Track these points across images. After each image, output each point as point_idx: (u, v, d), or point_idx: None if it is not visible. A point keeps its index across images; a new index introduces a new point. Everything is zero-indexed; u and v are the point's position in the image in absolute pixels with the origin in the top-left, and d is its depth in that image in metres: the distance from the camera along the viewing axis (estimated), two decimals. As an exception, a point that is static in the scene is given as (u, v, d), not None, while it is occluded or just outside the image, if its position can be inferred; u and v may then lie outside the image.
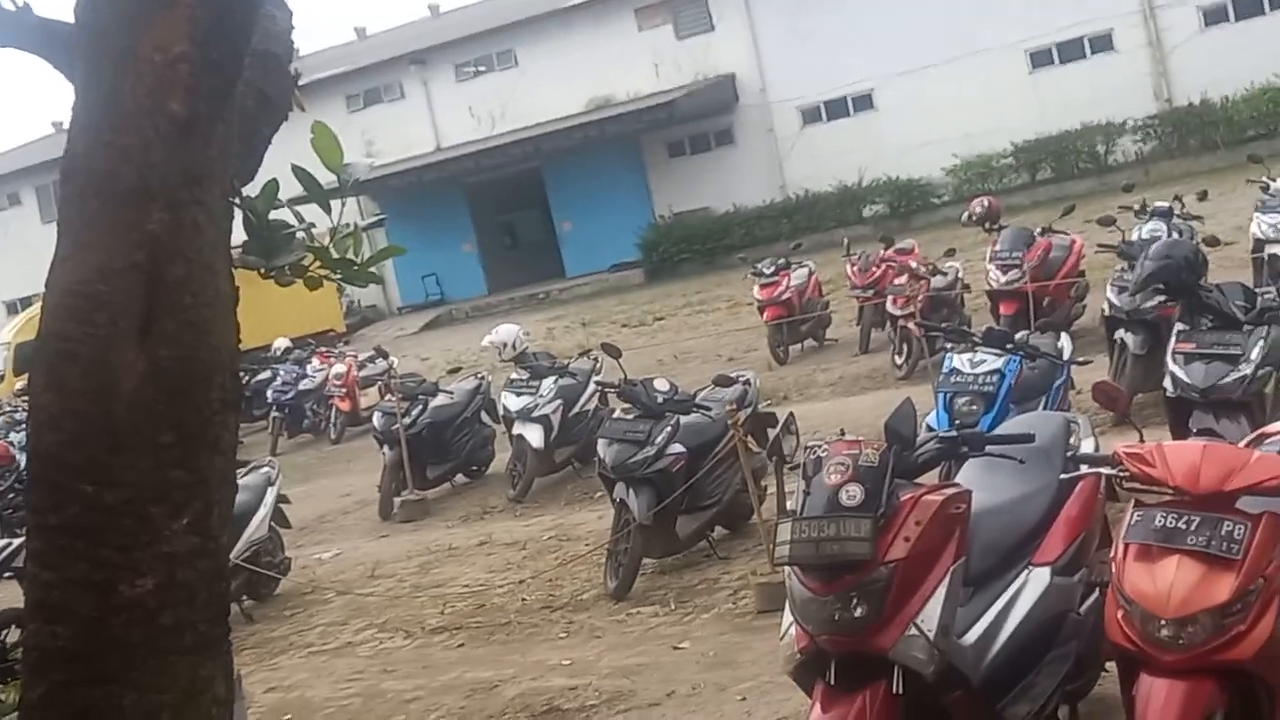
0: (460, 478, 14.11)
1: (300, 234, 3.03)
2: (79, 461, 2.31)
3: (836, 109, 35.50)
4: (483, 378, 14.83)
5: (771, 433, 9.74)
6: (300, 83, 3.25)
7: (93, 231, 2.35)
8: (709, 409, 9.45)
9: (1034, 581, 4.79)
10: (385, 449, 13.65)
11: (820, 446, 4.56)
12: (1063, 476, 4.97)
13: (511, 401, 12.94)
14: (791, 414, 10.93)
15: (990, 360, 8.41)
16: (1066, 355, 8.91)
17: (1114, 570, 4.20)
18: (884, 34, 33.63)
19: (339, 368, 19.66)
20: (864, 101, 35.16)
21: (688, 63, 36.96)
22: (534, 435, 12.66)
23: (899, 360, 14.40)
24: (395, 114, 41.08)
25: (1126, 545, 4.16)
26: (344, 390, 19.40)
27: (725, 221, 35.29)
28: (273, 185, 2.93)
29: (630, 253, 36.33)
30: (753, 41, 36.07)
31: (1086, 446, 5.31)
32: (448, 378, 15.47)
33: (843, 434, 4.99)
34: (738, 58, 36.28)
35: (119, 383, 2.32)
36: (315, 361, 21.08)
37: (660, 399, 9.42)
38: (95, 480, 2.30)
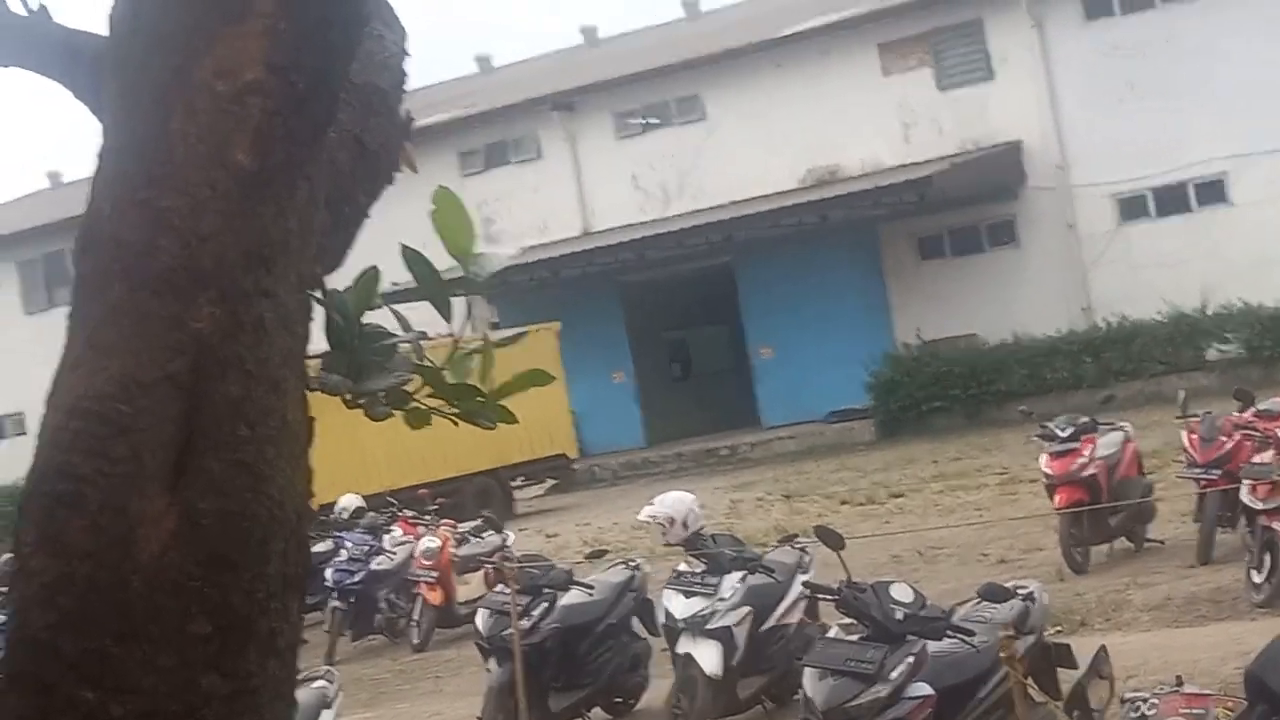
0: (598, 712, 14.06)
1: (404, 346, 3.07)
2: (77, 654, 2.34)
3: (1171, 200, 35.35)
4: (636, 567, 14.80)
5: (1067, 675, 9.56)
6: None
7: (115, 328, 2.41)
8: (971, 634, 9.33)
9: None
10: (491, 663, 13.70)
11: (1145, 700, 4.45)
12: None
13: (677, 605, 12.87)
14: (1103, 649, 10.70)
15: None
16: None
17: None
18: (1246, 94, 33.39)
19: (429, 542, 19.75)
20: (1212, 190, 34.96)
21: (952, 124, 37.18)
22: (708, 656, 12.55)
23: (1258, 578, 14.04)
24: (527, 180, 42.10)
25: None
26: (435, 575, 19.48)
27: (999, 356, 35.13)
28: (372, 275, 2.99)
29: (857, 395, 36.35)
30: (1050, 97, 36.20)
31: None
32: (585, 565, 15.50)
33: (1179, 683, 4.86)
34: (1026, 119, 36.40)
35: (139, 544, 2.35)
36: (396, 530, 21.21)
37: (899, 614, 9.32)
38: (98, 682, 2.33)
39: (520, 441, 31.53)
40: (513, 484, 33.73)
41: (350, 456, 27.21)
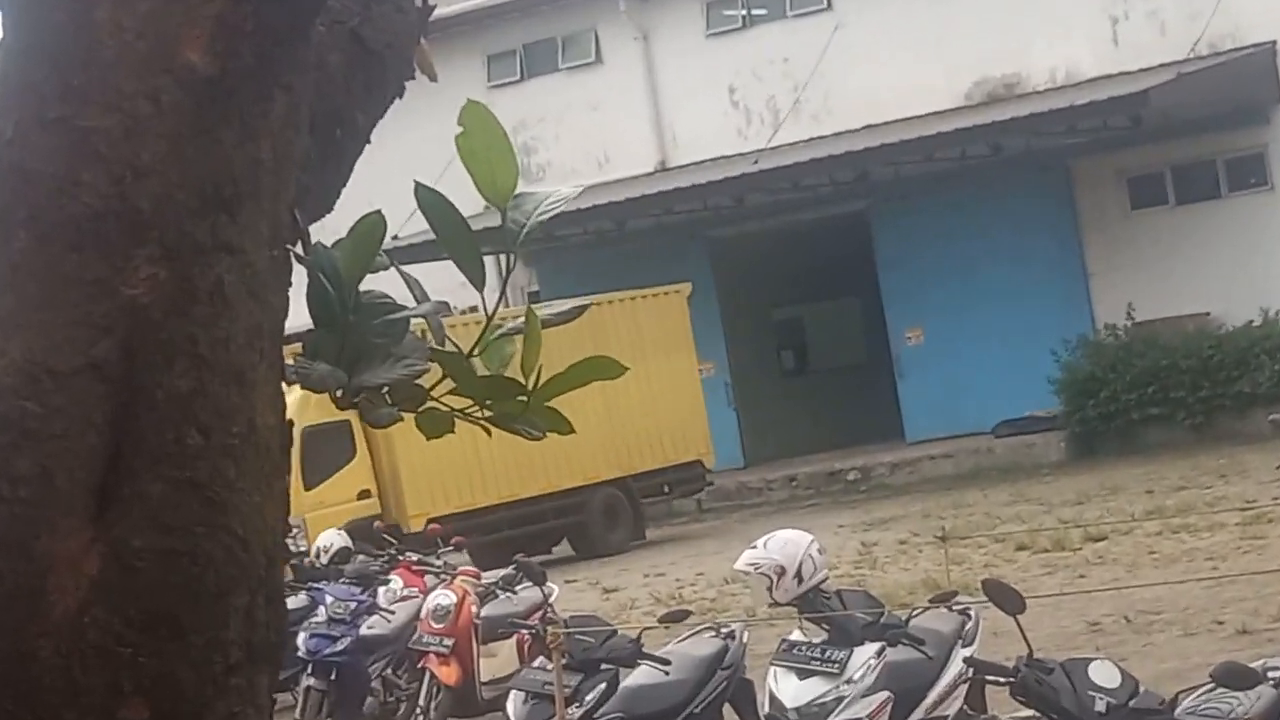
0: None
1: (418, 323, 3.07)
2: (-39, 750, 2.35)
3: None
4: (730, 636, 14.82)
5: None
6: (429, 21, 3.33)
7: (18, 296, 2.42)
8: (1199, 730, 9.30)
9: None
10: (530, 765, 13.75)
11: None
12: None
13: (788, 689, 12.92)
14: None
15: None
16: None
17: None
18: None
19: (442, 597, 19.85)
20: None
21: (1178, 19, 37.09)
22: (830, 760, 12.59)
23: None
24: (581, 94, 42.41)
25: None
26: (449, 644, 19.57)
27: (1243, 345, 35.27)
28: (373, 223, 2.98)
29: (1040, 398, 36.50)
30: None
31: None
32: (659, 630, 15.51)
33: None
34: (1280, 16, 36.29)
35: (49, 596, 2.36)
36: (396, 581, 21.31)
37: (1101, 704, 9.33)
38: (-9, 791, 2.34)
39: (653, 443, 32.29)
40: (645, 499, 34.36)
41: (462, 462, 27.48)
